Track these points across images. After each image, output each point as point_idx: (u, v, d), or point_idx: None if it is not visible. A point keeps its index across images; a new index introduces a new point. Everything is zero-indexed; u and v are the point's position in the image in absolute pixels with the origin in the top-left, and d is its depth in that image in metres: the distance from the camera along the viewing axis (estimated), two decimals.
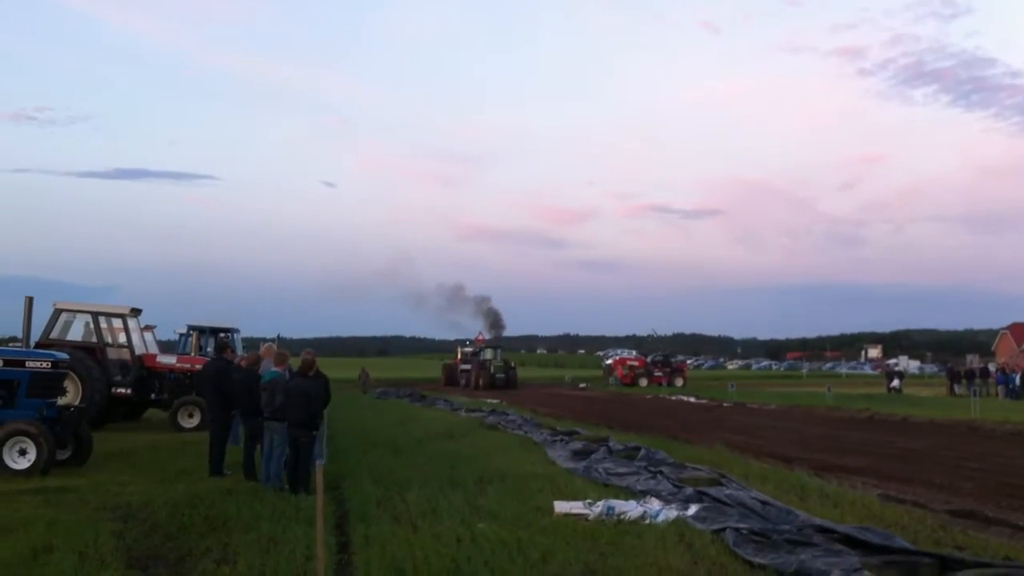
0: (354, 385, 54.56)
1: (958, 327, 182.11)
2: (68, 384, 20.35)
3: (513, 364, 65.76)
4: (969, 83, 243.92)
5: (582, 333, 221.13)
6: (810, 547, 8.18)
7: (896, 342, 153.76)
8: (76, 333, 23.25)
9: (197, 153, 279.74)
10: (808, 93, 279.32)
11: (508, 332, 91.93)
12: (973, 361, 69.45)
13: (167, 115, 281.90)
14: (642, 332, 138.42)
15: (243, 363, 14.91)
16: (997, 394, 44.55)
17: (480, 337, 73.57)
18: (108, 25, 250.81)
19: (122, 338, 23.62)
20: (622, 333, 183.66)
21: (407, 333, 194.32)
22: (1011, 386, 43.96)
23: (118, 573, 7.84)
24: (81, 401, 20.27)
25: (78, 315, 23.36)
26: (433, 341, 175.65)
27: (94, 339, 22.93)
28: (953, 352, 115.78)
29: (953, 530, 9.86)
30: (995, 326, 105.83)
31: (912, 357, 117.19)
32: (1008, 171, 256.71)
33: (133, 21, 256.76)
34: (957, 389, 47.77)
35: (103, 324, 23.21)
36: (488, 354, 64.31)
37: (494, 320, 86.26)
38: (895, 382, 51.74)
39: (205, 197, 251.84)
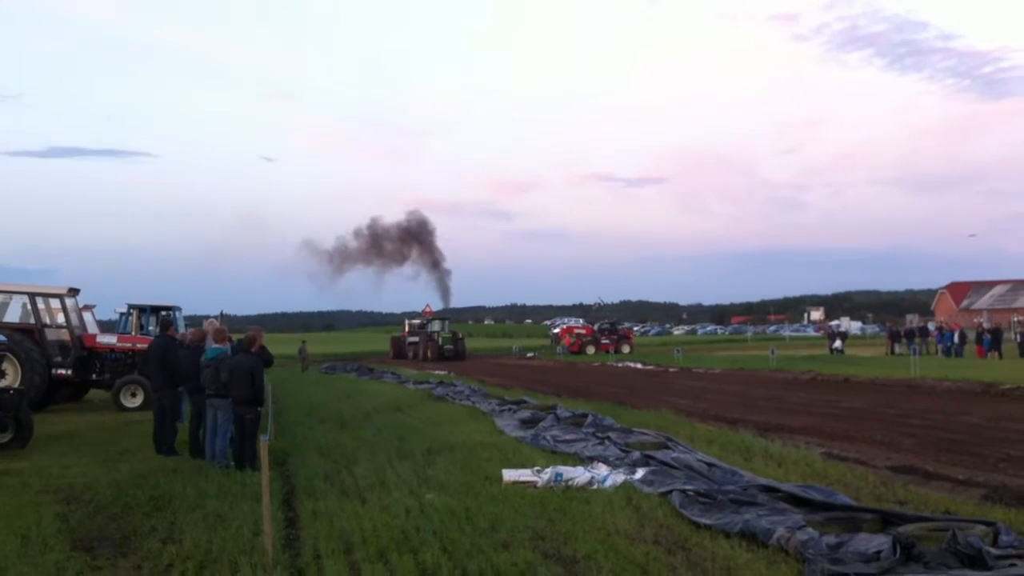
0: (295, 362, 53.83)
1: (898, 288, 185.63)
2: (7, 366, 20.04)
3: (461, 335, 65.75)
4: (902, 46, 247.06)
5: (529, 303, 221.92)
6: (755, 506, 8.29)
7: (838, 304, 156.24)
8: (13, 315, 22.83)
9: (133, 130, 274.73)
10: (746, 59, 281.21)
11: (455, 304, 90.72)
12: (913, 321, 70.77)
13: (101, 92, 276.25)
14: (589, 301, 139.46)
15: (189, 339, 14.76)
16: (936, 352, 45.40)
17: (428, 309, 73.46)
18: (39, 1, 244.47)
19: (61, 319, 23.25)
20: (569, 302, 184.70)
21: (354, 308, 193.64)
22: (949, 344, 44.80)
23: (62, 555, 7.72)
24: (21, 383, 19.92)
25: (14, 296, 22.93)
26: (381, 315, 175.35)
27: (32, 320, 22.53)
28: (894, 312, 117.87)
29: (894, 486, 10.04)
30: (934, 286, 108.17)
31: (854, 318, 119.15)
32: (942, 133, 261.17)
33: None
34: (897, 348, 48.55)
35: (40, 305, 22.81)
36: (436, 326, 64.21)
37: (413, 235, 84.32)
38: (837, 343, 52.47)
39: (142, 174, 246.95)
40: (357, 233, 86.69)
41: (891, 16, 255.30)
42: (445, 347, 61.16)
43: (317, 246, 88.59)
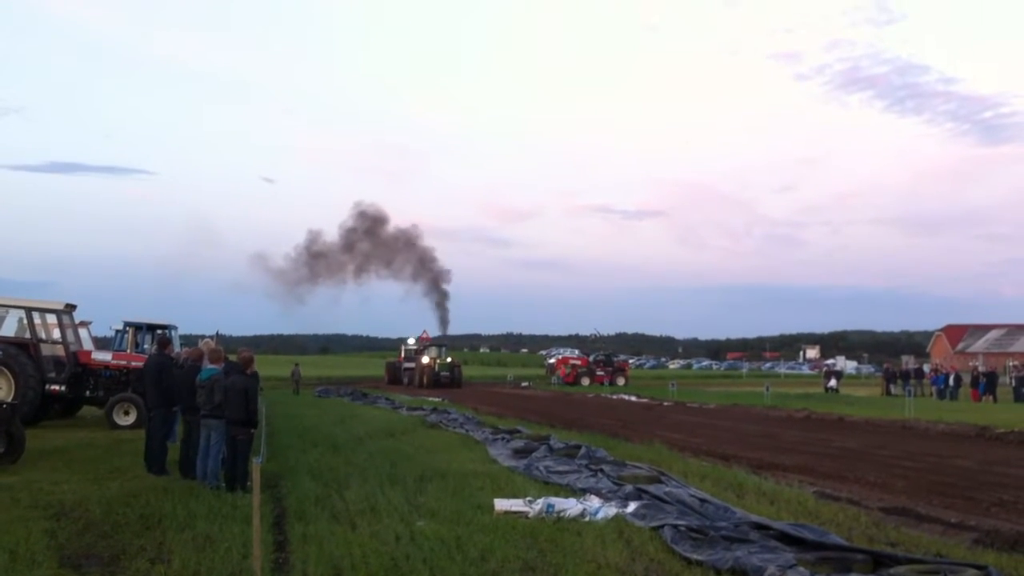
0: (287, 384, 53.49)
1: (894, 329, 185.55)
2: (1, 380, 20.01)
3: (458, 363, 65.50)
4: (903, 89, 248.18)
5: (525, 332, 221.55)
6: (746, 544, 8.27)
7: (834, 343, 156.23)
8: (9, 329, 22.83)
9: (133, 147, 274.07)
10: (747, 96, 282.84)
11: (451, 331, 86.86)
12: (908, 362, 70.66)
13: (102, 108, 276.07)
14: (585, 331, 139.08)
15: (184, 358, 14.77)
16: (931, 394, 45.37)
17: (425, 335, 73.16)
18: (41, 12, 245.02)
19: (56, 334, 23.23)
20: (565, 332, 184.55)
21: (350, 331, 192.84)
22: (943, 387, 44.77)
23: (50, 572, 7.72)
24: (14, 398, 19.89)
25: (11, 310, 22.94)
26: (377, 339, 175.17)
27: (27, 335, 22.50)
28: (889, 353, 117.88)
29: (886, 527, 10.02)
30: (930, 328, 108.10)
31: (849, 358, 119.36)
32: (942, 176, 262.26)
33: (67, 9, 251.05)
34: (892, 389, 48.49)
35: (37, 320, 22.79)
36: (432, 352, 63.87)
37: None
38: (832, 382, 52.39)
39: (140, 191, 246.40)
40: (297, 251, 79.26)
41: (893, 59, 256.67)
42: (442, 374, 60.91)
43: (267, 261, 79.75)
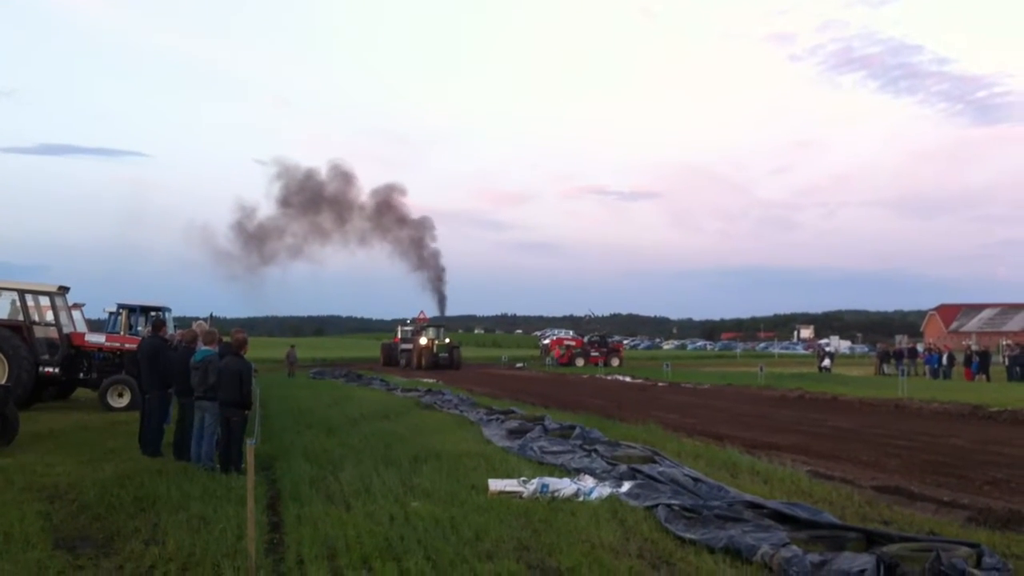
0: (282, 366, 53.26)
1: (888, 308, 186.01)
2: None
3: (457, 344, 65.12)
4: (897, 69, 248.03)
5: (520, 313, 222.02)
6: (740, 522, 8.28)
7: (828, 323, 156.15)
8: (2, 311, 22.80)
9: (126, 129, 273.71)
10: (742, 78, 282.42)
11: (447, 312, 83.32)
12: (902, 341, 70.79)
13: (95, 91, 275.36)
14: (579, 312, 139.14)
15: (178, 340, 14.74)
16: (924, 374, 45.43)
17: (422, 315, 72.73)
18: None
19: (49, 316, 23.19)
20: (559, 313, 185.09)
21: (344, 313, 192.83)
22: (937, 366, 44.85)
23: (44, 553, 7.70)
24: (7, 380, 19.86)
25: (4, 293, 22.88)
26: (371, 320, 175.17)
27: (20, 317, 22.45)
28: (883, 333, 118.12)
29: (879, 506, 10.06)
30: (924, 308, 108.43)
31: (843, 337, 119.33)
32: (936, 156, 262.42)
33: None
34: (886, 369, 48.51)
35: (30, 302, 22.75)
36: (431, 333, 63.31)
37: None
38: (826, 362, 52.36)
39: (133, 174, 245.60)
40: (233, 229, 70.47)
41: (886, 39, 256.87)
42: (440, 355, 60.49)
43: (212, 238, 70.63)
